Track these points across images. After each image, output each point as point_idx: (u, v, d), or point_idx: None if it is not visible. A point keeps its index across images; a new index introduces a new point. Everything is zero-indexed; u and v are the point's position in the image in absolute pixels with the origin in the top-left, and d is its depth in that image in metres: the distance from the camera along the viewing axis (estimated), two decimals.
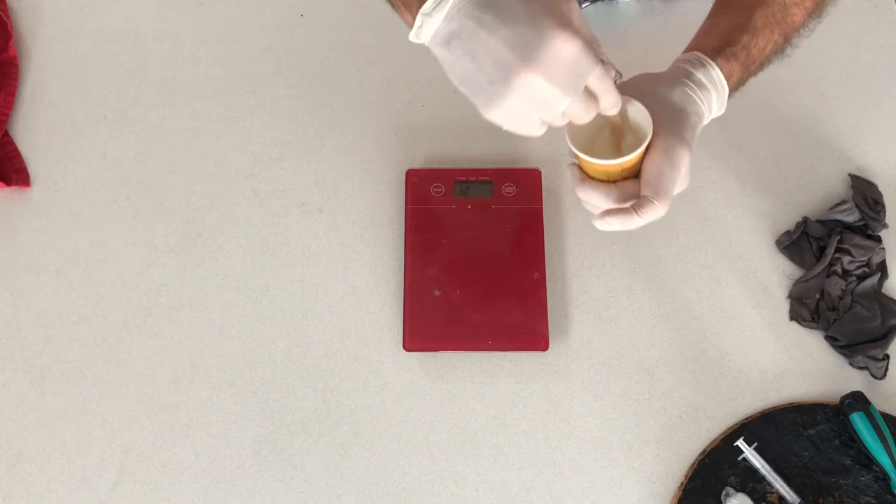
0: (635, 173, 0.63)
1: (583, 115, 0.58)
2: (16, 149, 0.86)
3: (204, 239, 0.84)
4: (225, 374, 0.78)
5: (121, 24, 0.93)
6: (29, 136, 0.87)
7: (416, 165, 0.86)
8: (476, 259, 0.81)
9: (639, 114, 0.62)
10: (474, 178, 0.84)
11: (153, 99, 0.90)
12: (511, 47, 0.54)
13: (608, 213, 0.63)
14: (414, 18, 0.56)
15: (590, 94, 0.57)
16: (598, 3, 0.93)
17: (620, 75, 0.59)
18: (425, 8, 0.55)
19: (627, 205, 0.62)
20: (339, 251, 0.83)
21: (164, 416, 0.77)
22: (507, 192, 0.83)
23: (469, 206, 0.83)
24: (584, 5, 0.93)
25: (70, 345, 0.79)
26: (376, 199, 0.85)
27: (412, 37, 0.58)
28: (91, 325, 0.80)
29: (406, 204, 0.83)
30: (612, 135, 0.64)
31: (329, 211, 0.85)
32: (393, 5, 0.60)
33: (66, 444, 0.76)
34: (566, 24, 0.54)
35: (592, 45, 0.55)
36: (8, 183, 0.84)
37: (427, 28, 0.56)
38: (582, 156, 0.62)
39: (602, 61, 0.56)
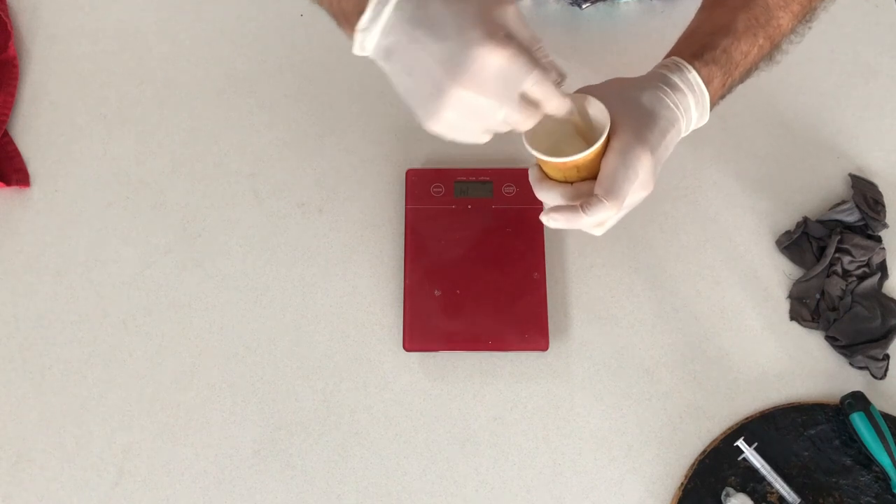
0: (594, 174, 0.62)
1: (523, 122, 0.57)
2: (16, 149, 0.86)
3: (204, 239, 0.84)
4: (225, 374, 0.78)
5: (121, 24, 0.93)
6: (29, 136, 0.87)
7: (416, 165, 0.86)
8: (476, 259, 0.81)
9: (599, 113, 0.61)
10: (474, 178, 0.84)
11: (153, 99, 0.90)
12: (440, 63, 0.54)
13: (554, 209, 0.62)
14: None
15: (529, 101, 0.57)
16: (599, 4, 0.94)
17: (563, 77, 0.58)
18: (361, 24, 0.55)
19: (577, 203, 0.61)
20: (339, 251, 0.83)
21: (164, 416, 0.77)
22: (507, 192, 0.83)
23: (469, 206, 0.83)
24: (584, 6, 0.93)
25: (70, 345, 0.79)
26: (376, 199, 0.85)
27: (356, 50, 0.58)
28: (91, 325, 0.80)
29: (406, 204, 0.83)
30: (579, 135, 0.64)
31: (329, 211, 0.85)
32: (337, 21, 0.60)
33: (66, 444, 0.76)
34: (493, 33, 0.53)
35: (527, 50, 0.54)
36: (8, 183, 0.84)
37: (367, 42, 0.56)
38: (536, 154, 0.61)
39: (540, 65, 0.55)
